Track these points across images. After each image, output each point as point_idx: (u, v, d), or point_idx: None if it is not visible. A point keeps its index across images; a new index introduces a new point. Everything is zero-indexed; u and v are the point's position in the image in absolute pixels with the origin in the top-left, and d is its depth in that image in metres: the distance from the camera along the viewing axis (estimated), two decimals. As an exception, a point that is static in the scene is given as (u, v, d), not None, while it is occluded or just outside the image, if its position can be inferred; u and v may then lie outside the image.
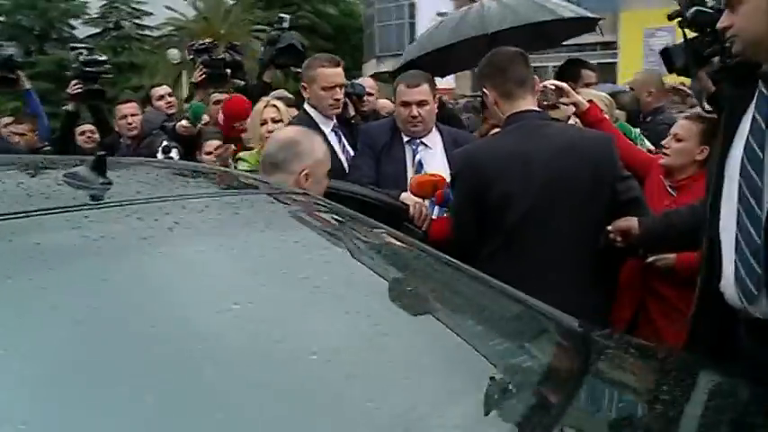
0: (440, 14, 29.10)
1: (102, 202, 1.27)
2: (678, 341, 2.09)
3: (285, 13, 4.46)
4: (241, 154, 3.33)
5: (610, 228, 2.28)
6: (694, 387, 1.57)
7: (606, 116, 2.82)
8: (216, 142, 3.58)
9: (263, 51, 4.24)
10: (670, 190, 2.71)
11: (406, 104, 2.96)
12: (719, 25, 1.82)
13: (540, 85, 2.62)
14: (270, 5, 35.92)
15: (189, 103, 3.75)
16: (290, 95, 4.96)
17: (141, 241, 1.16)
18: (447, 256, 1.68)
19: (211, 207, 1.41)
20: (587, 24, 4.55)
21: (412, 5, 35.03)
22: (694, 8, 2.61)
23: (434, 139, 3.03)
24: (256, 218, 1.47)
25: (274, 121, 3.26)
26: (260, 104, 3.35)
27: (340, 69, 3.12)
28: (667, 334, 2.43)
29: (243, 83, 4.32)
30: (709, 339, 1.85)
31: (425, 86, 2.99)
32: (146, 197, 1.32)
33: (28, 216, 1.12)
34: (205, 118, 4.08)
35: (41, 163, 1.71)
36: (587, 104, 2.70)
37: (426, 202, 2.72)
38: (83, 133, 4.71)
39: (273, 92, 4.44)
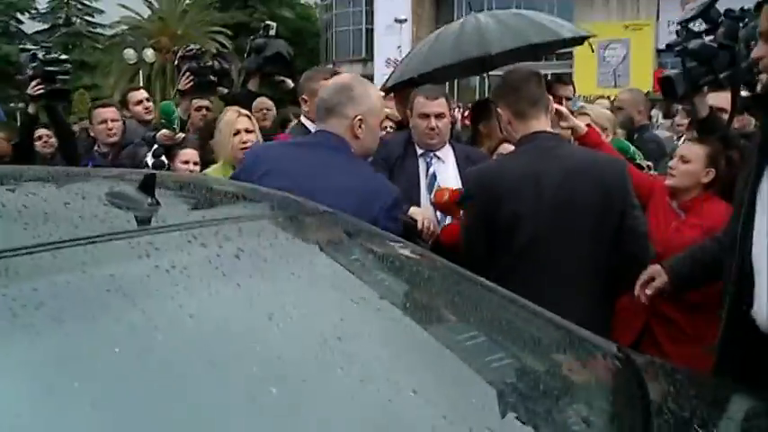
0: (398, 21, 29.13)
1: (158, 225, 1.17)
2: (685, 365, 2.08)
3: (243, 15, 4.38)
4: (207, 170, 3.20)
5: (637, 289, 2.28)
6: (729, 411, 1.57)
7: (606, 139, 2.84)
8: (191, 151, 3.39)
9: (248, 59, 4.12)
10: (678, 211, 2.72)
11: (425, 116, 2.95)
12: (754, 55, 1.83)
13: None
14: (226, 7, 35.58)
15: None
16: (272, 103, 4.88)
17: (213, 271, 1.07)
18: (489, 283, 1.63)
19: (267, 230, 1.32)
20: (574, 40, 4.60)
21: (370, 12, 35.12)
22: (699, 41, 2.69)
23: (447, 154, 3.03)
24: (321, 240, 1.39)
25: (248, 131, 3.15)
26: (231, 114, 3.20)
27: None
28: (675, 358, 2.42)
29: (227, 90, 4.20)
30: (738, 365, 1.85)
31: (443, 99, 2.99)
32: (200, 219, 1.23)
33: (93, 242, 1.02)
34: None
35: (79, 178, 1.59)
36: (585, 128, 2.69)
37: (438, 214, 2.73)
38: (39, 138, 4.43)
39: (256, 100, 4.35)
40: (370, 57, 34.82)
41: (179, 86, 4.05)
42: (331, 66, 35.30)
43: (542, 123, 2.35)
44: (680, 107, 4.71)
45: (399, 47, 29.34)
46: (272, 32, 4.15)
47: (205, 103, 4.19)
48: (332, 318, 1.12)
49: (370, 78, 4.02)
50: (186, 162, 3.33)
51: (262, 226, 1.39)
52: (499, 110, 2.42)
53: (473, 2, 35.44)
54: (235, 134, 3.09)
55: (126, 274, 1.01)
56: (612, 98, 11.00)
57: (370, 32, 35.30)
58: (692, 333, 2.53)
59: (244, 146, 3.05)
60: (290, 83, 4.12)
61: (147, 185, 1.27)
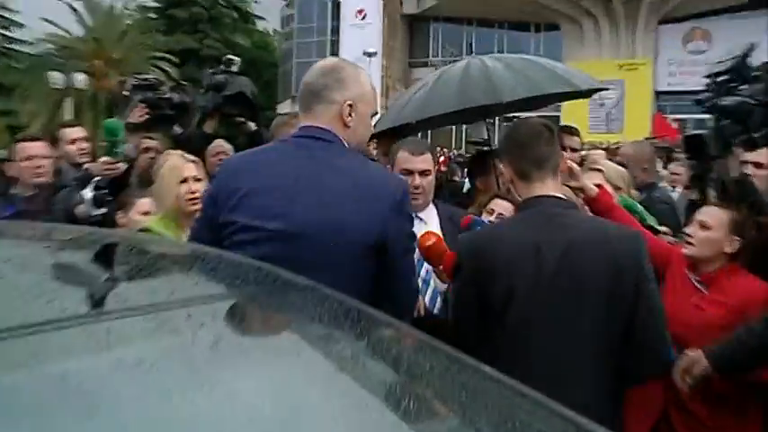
0: (367, 54, 29.58)
1: (116, 309, 1.11)
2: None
3: (191, 41, 4.43)
4: (145, 222, 3.06)
5: (678, 381, 2.26)
6: None
7: (617, 203, 2.84)
8: (149, 201, 3.26)
9: (205, 96, 4.12)
10: (698, 285, 2.70)
11: (408, 173, 2.94)
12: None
13: None
14: (171, 30, 35.83)
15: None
16: (230, 146, 4.85)
17: (188, 369, 1.01)
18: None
19: (254, 311, 1.28)
20: (589, 92, 4.73)
21: (335, 42, 35.68)
22: (736, 98, 2.74)
23: (431, 215, 3.01)
24: (302, 326, 1.36)
25: (197, 180, 3.09)
26: (175, 159, 3.13)
27: None
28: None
29: (180, 131, 4.15)
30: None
31: (428, 155, 2.99)
32: (168, 299, 1.18)
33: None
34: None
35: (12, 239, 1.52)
36: (596, 190, 2.70)
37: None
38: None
39: (213, 143, 4.32)
40: (334, 92, 35.28)
41: (130, 119, 3.95)
42: (290, 101, 35.54)
43: (548, 187, 2.34)
44: (681, 156, 4.79)
45: (369, 82, 29.90)
46: (235, 68, 4.17)
47: (153, 144, 4.13)
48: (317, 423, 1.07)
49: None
50: (146, 213, 3.19)
51: (233, 309, 1.35)
52: (502, 166, 2.42)
53: (450, 35, 36.53)
54: (181, 182, 3.01)
55: (78, 370, 0.96)
56: (606, 145, 11.18)
57: (335, 65, 35.85)
58: (713, 426, 2.52)
59: (192, 197, 2.99)
60: (251, 125, 4.12)
61: (104, 256, 1.23)
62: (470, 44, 35.28)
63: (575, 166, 2.74)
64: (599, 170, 2.99)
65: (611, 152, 5.83)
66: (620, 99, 30.96)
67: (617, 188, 2.96)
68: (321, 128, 2.17)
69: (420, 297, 2.94)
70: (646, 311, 2.18)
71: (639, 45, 31.50)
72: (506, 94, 3.99)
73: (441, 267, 2.66)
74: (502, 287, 2.22)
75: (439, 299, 3.30)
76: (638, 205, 3.22)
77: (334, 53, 35.50)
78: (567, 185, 2.72)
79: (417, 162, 2.93)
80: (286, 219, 2.03)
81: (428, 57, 36.04)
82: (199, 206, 3.12)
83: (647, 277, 2.20)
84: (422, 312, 2.89)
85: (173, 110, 4.01)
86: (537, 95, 4.11)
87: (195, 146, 3.74)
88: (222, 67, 4.22)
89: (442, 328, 2.24)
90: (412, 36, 36.73)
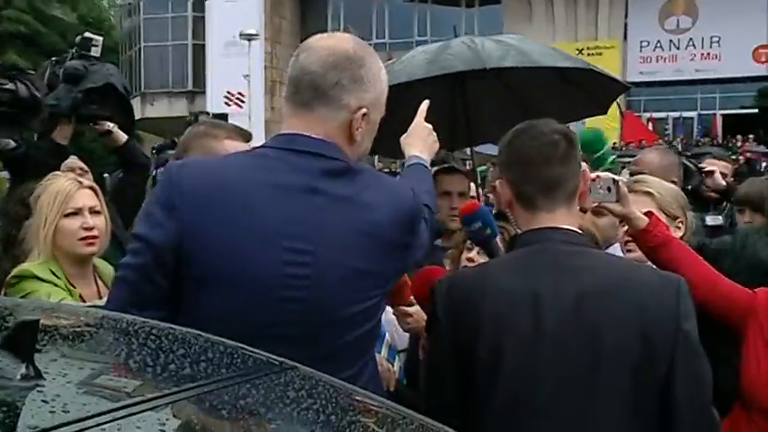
0: (245, 36, 29.44)
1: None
2: None
3: None
4: (20, 269, 2.98)
5: None
6: None
7: (673, 228, 2.89)
8: None
9: (53, 94, 3.93)
10: None
11: (447, 194, 3.20)
12: None
13: (593, 175, 2.61)
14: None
15: None
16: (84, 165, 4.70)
17: None
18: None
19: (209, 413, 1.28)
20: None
21: (199, 20, 35.38)
22: None
23: None
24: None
25: (94, 211, 3.11)
26: (62, 183, 3.11)
27: None
28: None
29: (15, 143, 3.94)
30: None
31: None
32: (110, 406, 1.15)
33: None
34: None
35: None
36: (645, 220, 2.69)
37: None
38: None
39: (67, 160, 4.19)
40: (199, 88, 34.92)
41: None
42: (138, 98, 34.79)
43: (558, 218, 2.32)
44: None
45: (247, 75, 29.65)
46: (96, 52, 4.04)
47: None
48: None
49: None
50: None
51: (197, 408, 1.33)
52: (498, 184, 2.42)
53: (354, 11, 36.78)
54: (70, 215, 3.00)
55: None
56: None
57: (199, 51, 35.49)
58: None
59: (87, 235, 2.99)
60: (120, 135, 4.01)
61: (19, 342, 1.18)
62: (382, 23, 35.76)
63: (623, 187, 2.69)
64: (648, 192, 2.99)
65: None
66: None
67: (673, 218, 2.97)
68: (320, 140, 2.14)
69: (389, 366, 2.95)
70: (685, 385, 2.17)
71: (603, 23, 32.59)
72: (492, 60, 4.11)
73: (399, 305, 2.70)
74: (488, 346, 2.20)
75: (397, 361, 3.30)
76: None
77: (199, 35, 35.22)
78: (605, 207, 2.70)
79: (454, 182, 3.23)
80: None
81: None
82: (96, 248, 3.12)
83: (689, 339, 2.19)
84: (391, 387, 2.90)
85: (17, 107, 3.83)
86: (531, 66, 4.23)
87: (39, 165, 3.61)
88: (76, 50, 4.05)
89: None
90: (304, 12, 36.90)
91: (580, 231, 2.39)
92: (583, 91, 4.71)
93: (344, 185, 2.12)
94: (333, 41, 2.21)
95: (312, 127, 2.14)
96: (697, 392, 2.19)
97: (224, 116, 17.02)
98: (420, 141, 2.58)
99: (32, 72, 4.07)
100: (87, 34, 4.22)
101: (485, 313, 2.22)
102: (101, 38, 4.22)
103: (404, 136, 2.66)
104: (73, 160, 4.53)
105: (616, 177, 2.70)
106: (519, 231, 2.41)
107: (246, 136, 3.12)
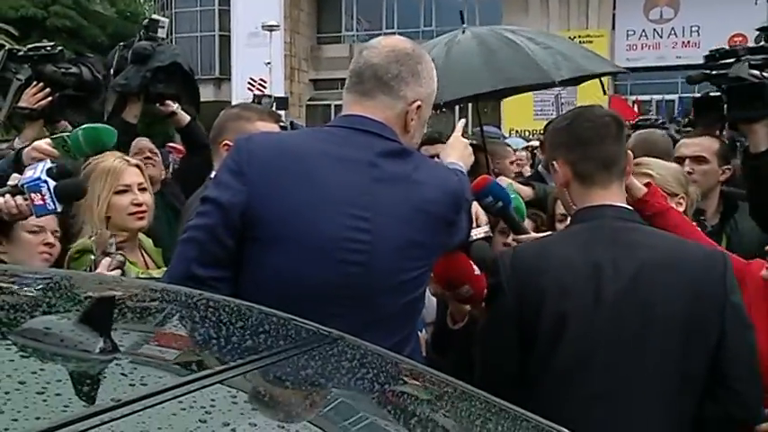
0: (266, 27, 29.30)
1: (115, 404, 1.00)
2: None
3: (33, 7, 4.09)
4: (81, 244, 2.89)
5: None
6: None
7: (674, 204, 2.82)
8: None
9: (123, 75, 3.81)
10: None
11: None
12: None
13: None
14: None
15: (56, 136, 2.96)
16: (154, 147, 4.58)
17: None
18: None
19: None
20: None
21: (225, 13, 35.31)
22: None
23: None
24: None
25: (142, 188, 3.06)
26: (111, 161, 3.04)
27: None
28: None
29: (62, 128, 3.81)
30: None
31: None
32: (177, 380, 1.10)
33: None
34: None
35: None
36: (644, 189, 2.66)
37: None
38: None
39: (135, 141, 4.11)
40: (225, 75, 34.87)
41: (23, 103, 3.66)
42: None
43: (613, 194, 2.34)
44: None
45: (269, 63, 29.61)
46: (162, 33, 3.92)
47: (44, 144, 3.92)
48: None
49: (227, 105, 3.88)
50: (35, 230, 2.90)
51: (263, 380, 1.28)
52: (556, 164, 2.41)
53: (366, 4, 36.67)
54: (120, 192, 2.95)
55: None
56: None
57: (225, 41, 35.43)
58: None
59: (137, 210, 2.94)
60: (183, 116, 3.91)
61: (97, 316, 1.13)
62: (391, 15, 35.55)
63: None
64: (646, 173, 2.92)
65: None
66: (573, 78, 31.75)
67: (673, 194, 2.92)
68: (383, 124, 2.15)
69: (420, 334, 2.90)
70: (734, 345, 2.19)
71: (593, 14, 32.44)
72: (554, 73, 4.10)
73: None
74: (551, 315, 2.21)
75: (424, 332, 3.26)
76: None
77: (225, 26, 35.16)
78: None
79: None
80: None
81: (340, 31, 36.16)
82: (145, 222, 3.06)
83: (736, 306, 2.22)
84: (423, 353, 2.85)
85: (82, 90, 3.76)
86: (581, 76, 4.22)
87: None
88: (143, 31, 3.92)
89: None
90: (320, 6, 36.73)
91: (632, 209, 2.42)
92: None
93: (400, 164, 2.13)
94: (394, 41, 2.27)
95: (373, 113, 2.15)
96: (743, 349, 2.21)
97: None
98: (457, 153, 2.58)
99: (91, 56, 4.00)
100: (154, 16, 4.15)
101: (548, 285, 2.23)
102: (167, 19, 4.13)
103: (443, 149, 2.70)
104: (145, 142, 4.44)
105: None
106: (575, 208, 2.40)
107: (276, 117, 3.16)
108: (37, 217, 2.66)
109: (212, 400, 1.08)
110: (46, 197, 2.54)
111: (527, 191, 3.38)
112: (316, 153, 2.10)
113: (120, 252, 2.63)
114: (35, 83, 3.65)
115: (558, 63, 4.09)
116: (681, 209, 2.93)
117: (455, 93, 4.14)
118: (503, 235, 3.08)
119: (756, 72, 3.24)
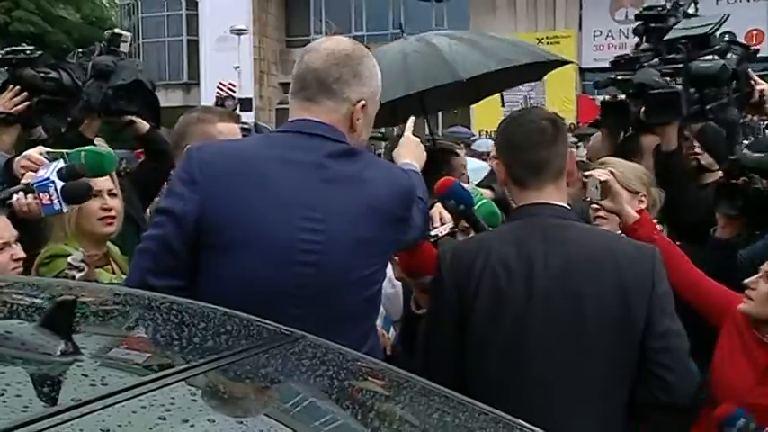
0: (235, 32, 29.06)
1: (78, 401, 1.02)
2: None
3: None
4: (52, 248, 2.89)
5: None
6: None
7: (636, 202, 2.91)
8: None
9: (82, 85, 3.75)
10: None
11: None
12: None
13: (588, 173, 2.75)
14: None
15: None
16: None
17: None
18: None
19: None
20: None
21: (193, 17, 35.08)
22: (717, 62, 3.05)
23: None
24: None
25: (111, 194, 3.04)
26: None
27: None
28: None
29: (45, 135, 3.80)
30: None
31: None
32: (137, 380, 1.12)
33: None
34: None
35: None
36: (636, 217, 2.74)
37: None
38: None
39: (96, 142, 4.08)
40: (194, 80, 34.65)
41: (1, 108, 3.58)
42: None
43: (547, 194, 2.39)
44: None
45: (238, 67, 29.44)
46: (124, 47, 3.87)
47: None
48: None
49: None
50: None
51: (224, 378, 1.30)
52: (495, 165, 2.47)
53: (334, 7, 36.58)
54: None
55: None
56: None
57: (193, 46, 35.21)
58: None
59: (106, 215, 2.93)
60: (142, 124, 3.91)
61: (57, 320, 1.15)
62: (360, 17, 35.52)
63: (614, 183, 2.76)
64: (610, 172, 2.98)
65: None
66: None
67: (634, 192, 2.99)
68: (328, 125, 2.18)
69: (383, 333, 2.94)
70: (659, 335, 2.25)
71: (561, 15, 32.58)
72: (465, 69, 4.05)
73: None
74: (486, 309, 2.28)
75: (392, 330, 3.32)
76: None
77: (193, 31, 34.92)
78: (599, 204, 2.79)
79: None
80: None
81: (309, 34, 35.94)
82: (114, 228, 3.05)
83: (662, 296, 2.29)
84: (388, 351, 2.89)
85: (61, 95, 3.69)
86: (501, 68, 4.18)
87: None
88: (104, 45, 3.87)
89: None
90: (288, 8, 36.62)
91: (568, 207, 2.47)
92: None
93: (349, 164, 2.16)
94: (333, 43, 2.27)
95: (319, 116, 2.17)
96: (673, 347, 2.26)
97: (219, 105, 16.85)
98: (410, 152, 2.62)
99: (71, 61, 3.96)
100: (117, 30, 4.06)
101: (484, 278, 2.29)
102: (129, 34, 4.09)
103: (396, 149, 2.72)
104: (101, 145, 4.37)
105: (603, 177, 2.76)
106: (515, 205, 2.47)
107: (235, 118, 3.16)
108: (44, 216, 2.68)
109: (172, 398, 1.11)
110: (53, 197, 2.58)
111: (486, 193, 3.43)
112: (265, 158, 2.13)
113: (83, 262, 2.64)
114: (11, 86, 3.60)
115: (470, 59, 4.13)
116: (642, 206, 2.98)
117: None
118: (463, 234, 3.12)
119: (661, 80, 3.54)
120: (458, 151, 4.58)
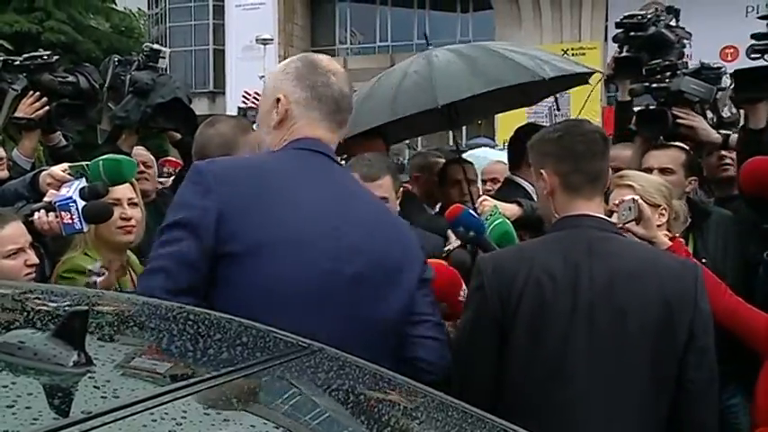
0: (261, 41, 29.26)
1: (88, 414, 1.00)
2: None
3: (28, 22, 4.13)
4: (71, 263, 2.89)
5: None
6: None
7: (657, 215, 2.88)
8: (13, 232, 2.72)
9: (113, 87, 3.83)
10: None
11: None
12: None
13: (625, 198, 2.78)
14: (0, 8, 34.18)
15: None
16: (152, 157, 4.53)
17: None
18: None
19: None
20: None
21: (219, 27, 35.31)
22: None
23: None
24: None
25: (132, 203, 3.04)
26: None
27: None
28: None
29: (64, 142, 3.84)
30: None
31: (387, 178, 3.00)
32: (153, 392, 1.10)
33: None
34: None
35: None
36: (669, 244, 2.76)
37: None
38: None
39: (137, 151, 4.09)
40: (220, 89, 34.86)
41: (20, 113, 3.66)
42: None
43: (594, 206, 2.42)
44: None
45: (263, 76, 29.56)
46: (163, 63, 3.90)
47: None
48: None
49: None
50: (14, 252, 2.70)
51: (238, 391, 1.28)
52: (543, 171, 2.46)
53: (360, 18, 36.73)
54: (110, 205, 2.87)
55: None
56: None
57: (219, 55, 35.46)
58: None
59: (126, 225, 2.92)
60: (176, 135, 3.92)
61: (71, 330, 1.14)
62: (385, 28, 35.62)
63: (645, 208, 2.78)
64: (628, 185, 2.97)
65: None
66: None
67: (655, 206, 2.94)
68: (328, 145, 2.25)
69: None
70: (699, 352, 2.27)
71: (586, 26, 32.42)
72: (444, 94, 3.91)
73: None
74: (529, 320, 2.28)
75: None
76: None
77: (219, 40, 35.18)
78: (628, 229, 2.77)
79: (373, 188, 2.80)
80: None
81: (334, 44, 36.16)
82: (133, 237, 3.03)
83: (704, 313, 2.29)
84: None
85: (79, 99, 3.75)
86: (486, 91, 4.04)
87: None
88: (142, 59, 3.91)
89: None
90: (314, 19, 36.78)
91: (609, 219, 2.52)
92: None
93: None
94: (338, 66, 2.33)
95: (335, 141, 2.27)
96: (706, 355, 2.28)
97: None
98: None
99: (87, 65, 3.99)
100: (156, 46, 4.10)
101: (529, 288, 2.29)
102: (168, 50, 4.14)
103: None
104: (139, 151, 4.23)
105: (636, 200, 2.79)
106: (556, 217, 2.46)
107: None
108: (65, 235, 2.71)
109: (184, 411, 1.09)
110: (74, 217, 2.61)
111: (514, 209, 3.35)
112: (277, 167, 2.13)
113: (103, 267, 2.65)
114: (31, 92, 3.66)
115: (540, 64, 4.04)
116: (663, 220, 2.98)
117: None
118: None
119: (699, 87, 3.64)
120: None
